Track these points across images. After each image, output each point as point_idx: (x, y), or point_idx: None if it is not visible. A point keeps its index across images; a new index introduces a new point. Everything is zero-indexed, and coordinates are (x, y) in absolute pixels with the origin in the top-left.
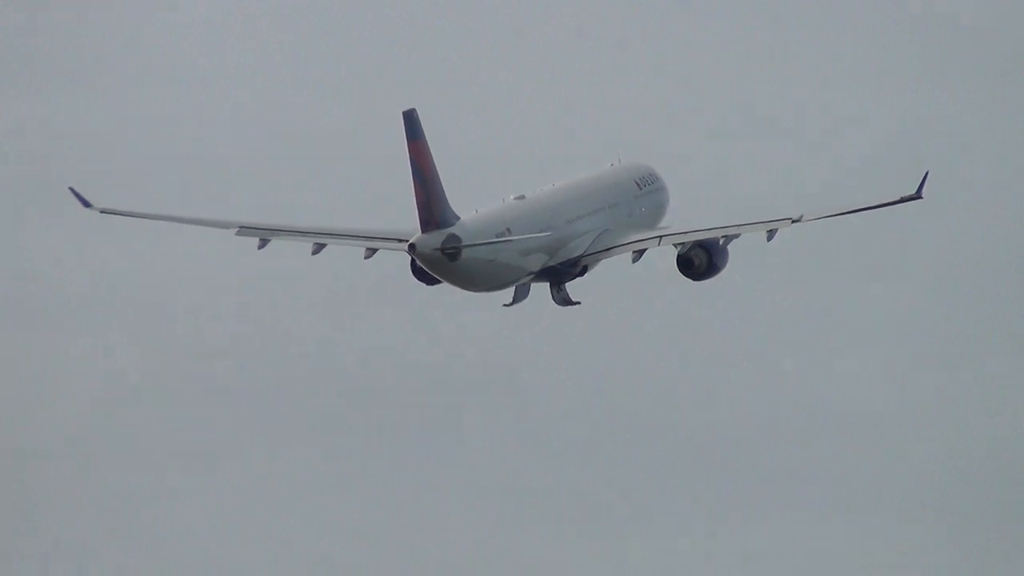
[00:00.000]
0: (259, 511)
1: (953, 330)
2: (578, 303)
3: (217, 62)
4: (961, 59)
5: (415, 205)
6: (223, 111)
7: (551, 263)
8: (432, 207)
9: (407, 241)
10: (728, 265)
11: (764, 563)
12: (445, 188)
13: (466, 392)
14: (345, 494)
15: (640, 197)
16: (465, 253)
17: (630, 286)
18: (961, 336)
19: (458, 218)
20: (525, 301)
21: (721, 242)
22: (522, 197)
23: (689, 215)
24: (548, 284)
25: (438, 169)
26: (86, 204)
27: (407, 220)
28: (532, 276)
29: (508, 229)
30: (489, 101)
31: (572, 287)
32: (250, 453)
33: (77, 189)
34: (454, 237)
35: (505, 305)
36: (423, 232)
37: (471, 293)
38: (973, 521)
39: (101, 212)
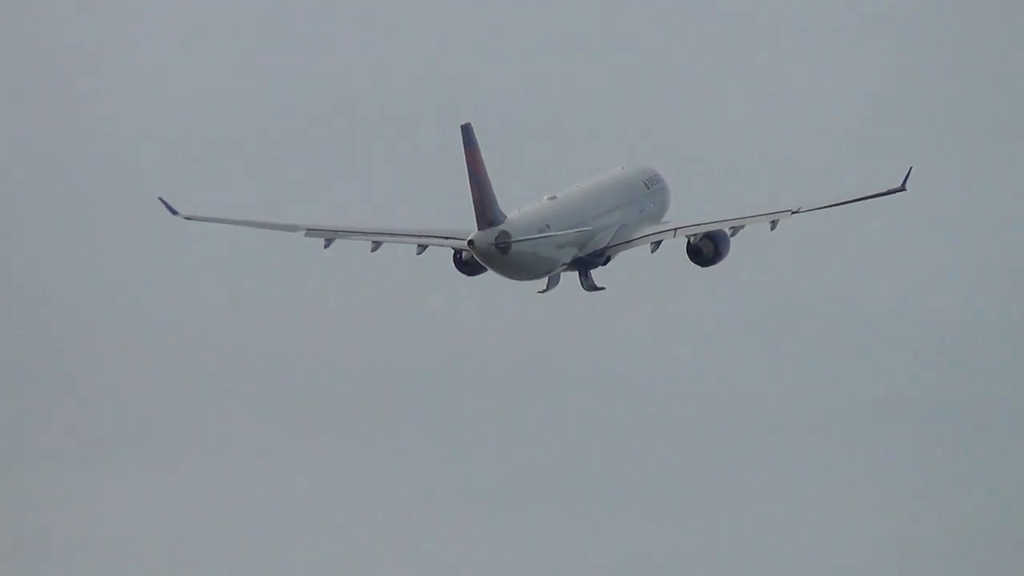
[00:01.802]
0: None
1: (937, 313)
2: (603, 288)
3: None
4: (945, 53)
5: (472, 205)
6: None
7: (580, 254)
8: (486, 208)
9: (455, 238)
10: (730, 253)
11: (768, 537)
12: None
13: (506, 369)
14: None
15: (648, 196)
16: (514, 247)
17: (647, 273)
18: (948, 318)
19: (505, 216)
20: (556, 288)
21: (730, 232)
22: (554, 197)
23: (686, 209)
24: (577, 273)
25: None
26: (173, 212)
27: (450, 219)
28: (565, 266)
29: (547, 225)
30: (490, 102)
31: (596, 274)
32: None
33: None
34: (505, 234)
35: (539, 292)
36: (479, 230)
37: (512, 282)
38: (957, 513)
39: (185, 219)
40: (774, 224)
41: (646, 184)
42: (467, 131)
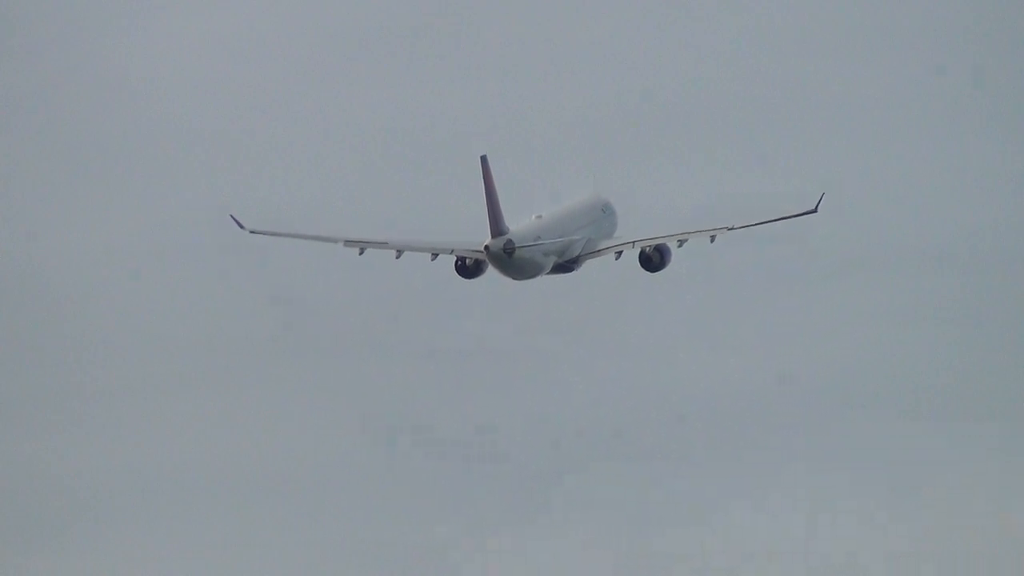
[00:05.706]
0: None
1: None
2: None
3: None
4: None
5: (487, 218)
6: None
7: (559, 261)
8: (498, 220)
9: (465, 247)
10: (672, 262)
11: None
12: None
13: (501, 343)
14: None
15: (604, 218)
16: (517, 252)
17: (609, 276)
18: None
19: (510, 228)
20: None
21: (678, 245)
22: (540, 217)
23: (632, 226)
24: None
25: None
26: (241, 226)
27: (455, 233)
28: (548, 270)
29: (539, 236)
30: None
31: (569, 277)
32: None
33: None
34: (511, 241)
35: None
36: (492, 238)
37: (510, 281)
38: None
39: (250, 232)
40: (713, 238)
41: (602, 210)
42: (484, 161)
